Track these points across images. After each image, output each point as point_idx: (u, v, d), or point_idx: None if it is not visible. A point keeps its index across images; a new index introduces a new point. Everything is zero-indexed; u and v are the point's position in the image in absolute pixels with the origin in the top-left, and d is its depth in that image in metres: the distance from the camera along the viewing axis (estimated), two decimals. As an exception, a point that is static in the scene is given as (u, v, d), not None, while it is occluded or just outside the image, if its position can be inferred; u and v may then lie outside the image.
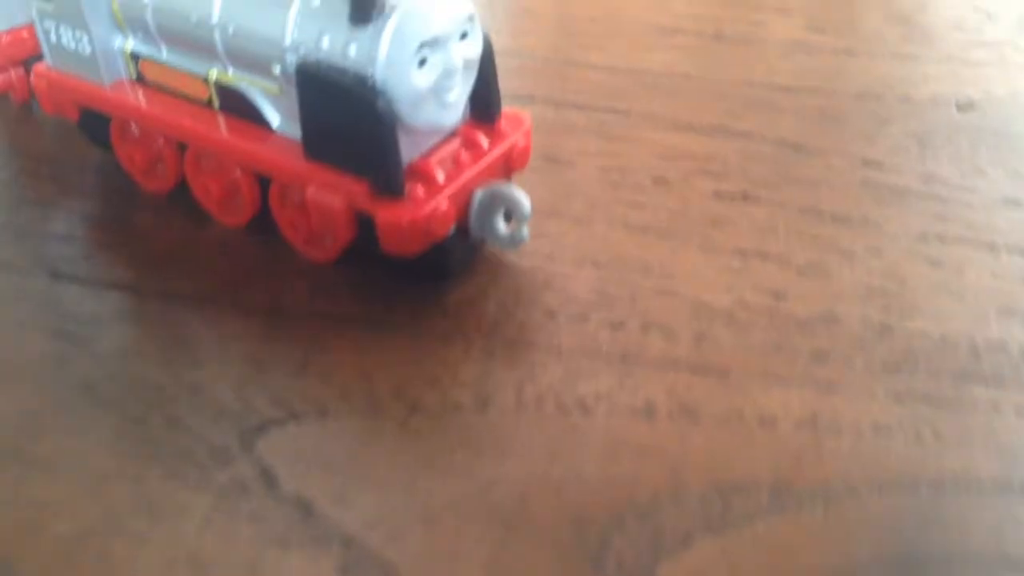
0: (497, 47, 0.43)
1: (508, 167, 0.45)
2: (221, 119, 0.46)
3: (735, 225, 0.47)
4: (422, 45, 0.38)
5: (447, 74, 0.40)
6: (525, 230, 0.43)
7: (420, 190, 0.41)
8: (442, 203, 0.41)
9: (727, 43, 0.62)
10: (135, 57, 0.47)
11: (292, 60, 0.41)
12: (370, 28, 0.39)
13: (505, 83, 0.44)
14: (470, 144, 0.43)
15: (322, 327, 0.42)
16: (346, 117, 0.40)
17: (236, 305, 0.44)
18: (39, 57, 0.54)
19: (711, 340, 0.41)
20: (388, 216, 0.40)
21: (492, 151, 0.44)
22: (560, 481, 0.35)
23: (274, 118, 0.44)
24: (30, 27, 0.55)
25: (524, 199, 0.42)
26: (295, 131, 0.43)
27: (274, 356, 0.41)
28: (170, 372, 0.40)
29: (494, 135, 0.44)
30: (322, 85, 0.40)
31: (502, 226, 0.43)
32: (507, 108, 0.45)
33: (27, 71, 0.56)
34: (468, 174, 0.42)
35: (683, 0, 0.67)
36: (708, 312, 0.42)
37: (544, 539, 0.33)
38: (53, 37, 0.48)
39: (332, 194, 0.41)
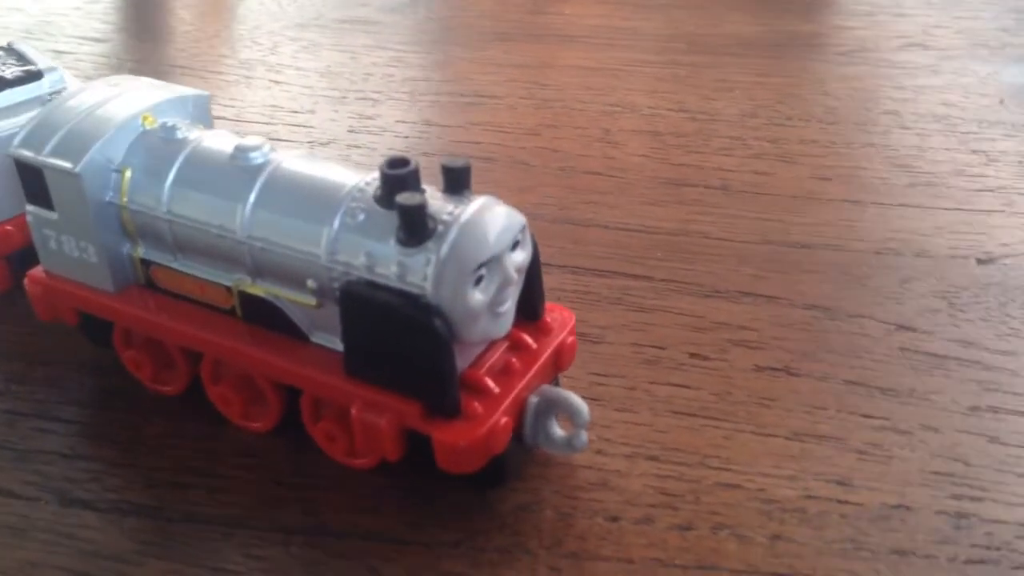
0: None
1: (557, 366, 0.44)
2: (245, 329, 0.45)
3: (782, 403, 0.48)
4: (480, 266, 0.38)
5: (503, 287, 0.40)
6: (584, 436, 0.42)
7: (476, 405, 0.40)
8: (500, 419, 0.40)
9: (736, 196, 0.63)
10: (146, 263, 0.46)
11: (332, 276, 0.40)
12: (422, 249, 0.38)
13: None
14: (518, 346, 0.43)
15: (372, 551, 0.41)
16: (397, 337, 0.39)
17: (272, 527, 0.42)
18: (24, 252, 0.53)
19: (786, 540, 0.41)
20: (447, 438, 0.39)
21: (542, 353, 0.43)
22: None
23: (307, 329, 0.43)
24: (16, 219, 0.53)
25: (582, 405, 0.42)
26: (331, 342, 0.43)
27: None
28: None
29: (540, 333, 0.44)
30: (369, 304, 0.39)
31: (558, 432, 0.43)
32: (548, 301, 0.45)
33: (8, 263, 0.55)
34: (522, 382, 0.42)
35: (680, 149, 0.68)
36: (778, 509, 0.42)
37: None
38: (53, 245, 0.47)
39: (381, 414, 0.40)
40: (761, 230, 0.60)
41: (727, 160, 0.67)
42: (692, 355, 0.51)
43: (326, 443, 0.44)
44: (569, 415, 0.42)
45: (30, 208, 0.46)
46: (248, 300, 0.44)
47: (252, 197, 0.42)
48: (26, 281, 0.49)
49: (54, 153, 0.44)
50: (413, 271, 0.38)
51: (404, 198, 0.38)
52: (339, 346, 0.42)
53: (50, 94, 0.54)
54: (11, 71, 0.54)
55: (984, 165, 0.65)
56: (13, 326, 0.54)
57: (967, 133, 0.69)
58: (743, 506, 0.43)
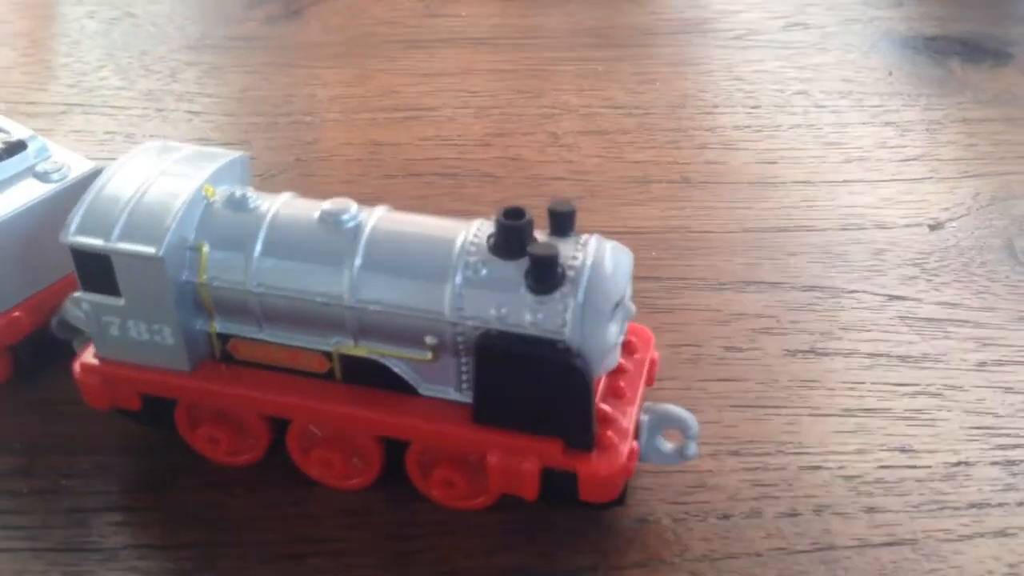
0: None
1: (648, 383, 0.47)
2: (343, 389, 0.44)
3: (824, 383, 0.52)
4: (614, 306, 0.40)
5: (625, 320, 0.42)
6: (694, 446, 0.45)
7: (609, 434, 0.42)
8: (632, 443, 0.42)
9: (699, 188, 0.67)
10: (223, 337, 0.45)
11: (457, 331, 0.41)
12: (556, 295, 0.40)
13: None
14: (618, 370, 0.45)
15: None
16: (539, 381, 0.40)
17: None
18: (37, 337, 0.50)
19: (880, 511, 0.46)
20: (593, 470, 0.41)
21: (640, 372, 0.46)
22: None
23: (415, 383, 0.43)
24: (25, 304, 0.49)
25: (690, 416, 0.45)
26: (443, 392, 0.43)
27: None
28: None
29: (628, 353, 0.46)
30: (510, 354, 0.40)
31: (668, 445, 0.45)
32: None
33: (10, 352, 0.51)
34: (634, 405, 0.44)
35: (631, 146, 0.71)
36: (861, 483, 0.47)
37: None
38: (115, 331, 0.44)
39: (524, 456, 0.41)
40: (735, 218, 0.64)
41: (678, 153, 0.70)
42: (727, 348, 0.55)
43: (443, 490, 0.45)
44: (680, 428, 0.45)
45: (87, 296, 0.43)
46: (349, 362, 0.44)
47: (358, 261, 0.41)
48: (78, 371, 0.46)
49: (125, 238, 0.42)
50: (550, 318, 0.40)
51: (538, 249, 0.39)
52: (451, 396, 0.43)
53: (37, 165, 0.50)
54: (-16, 147, 0.50)
55: (900, 136, 0.73)
56: (31, 419, 0.51)
57: (875, 107, 0.76)
58: (832, 485, 0.47)
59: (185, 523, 0.46)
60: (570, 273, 0.40)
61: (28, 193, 0.49)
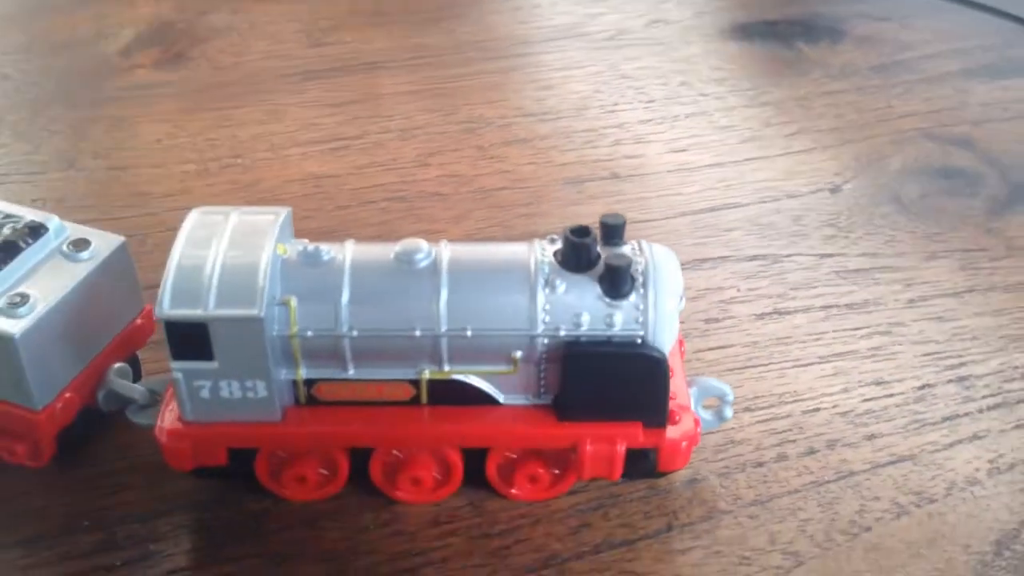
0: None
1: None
2: (427, 411, 0.48)
3: (796, 338, 0.60)
4: (679, 300, 0.46)
5: (680, 311, 0.48)
6: (729, 410, 0.52)
7: (673, 410, 0.48)
8: (694, 414, 0.49)
9: (628, 181, 0.74)
10: (309, 383, 0.47)
11: (543, 344, 0.46)
12: (632, 297, 0.45)
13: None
14: (663, 353, 0.52)
15: (611, 560, 0.48)
16: (624, 376, 0.46)
17: (520, 572, 0.47)
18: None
19: (877, 437, 0.54)
20: (673, 443, 0.48)
21: (678, 353, 0.52)
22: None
23: (499, 395, 0.48)
24: (73, 384, 0.50)
25: (727, 386, 0.51)
26: (523, 399, 0.48)
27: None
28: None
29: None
30: (597, 357, 0.46)
31: (703, 411, 0.52)
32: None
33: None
34: (683, 379, 0.50)
35: (555, 151, 0.77)
36: (855, 415, 0.55)
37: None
38: (205, 394, 0.46)
39: (613, 443, 0.47)
40: (669, 205, 0.72)
41: (598, 152, 0.77)
42: (706, 321, 0.62)
43: (526, 486, 0.50)
44: (718, 396, 0.52)
45: (178, 365, 0.45)
46: (436, 385, 0.47)
47: (444, 294, 0.45)
48: (164, 439, 0.47)
49: (222, 304, 0.44)
50: (626, 319, 0.45)
51: (613, 260, 0.45)
52: (530, 401, 0.48)
53: (62, 245, 0.50)
54: (6, 234, 0.49)
55: (779, 114, 0.82)
56: (88, 494, 0.51)
57: (748, 90, 0.85)
58: (832, 422, 0.55)
59: (290, 561, 0.48)
60: (639, 278, 0.46)
61: (67, 276, 0.49)
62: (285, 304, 0.45)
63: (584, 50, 0.91)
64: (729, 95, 0.84)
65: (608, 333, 0.46)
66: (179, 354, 0.45)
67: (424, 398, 0.48)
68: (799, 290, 0.64)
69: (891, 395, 0.57)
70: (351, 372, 0.47)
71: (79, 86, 0.85)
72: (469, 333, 0.46)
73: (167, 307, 0.44)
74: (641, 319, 0.46)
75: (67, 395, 0.50)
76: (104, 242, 0.51)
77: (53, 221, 0.51)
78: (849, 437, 0.54)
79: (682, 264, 0.48)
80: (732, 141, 0.79)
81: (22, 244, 0.49)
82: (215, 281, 0.44)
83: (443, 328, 0.46)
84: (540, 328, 0.46)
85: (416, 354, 0.47)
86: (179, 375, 0.46)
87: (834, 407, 0.56)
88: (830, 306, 0.63)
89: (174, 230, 0.47)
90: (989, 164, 0.77)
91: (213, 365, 0.45)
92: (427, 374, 0.47)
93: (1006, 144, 0.79)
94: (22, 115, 0.81)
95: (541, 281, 0.46)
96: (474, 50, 0.91)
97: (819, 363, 0.59)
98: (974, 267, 0.67)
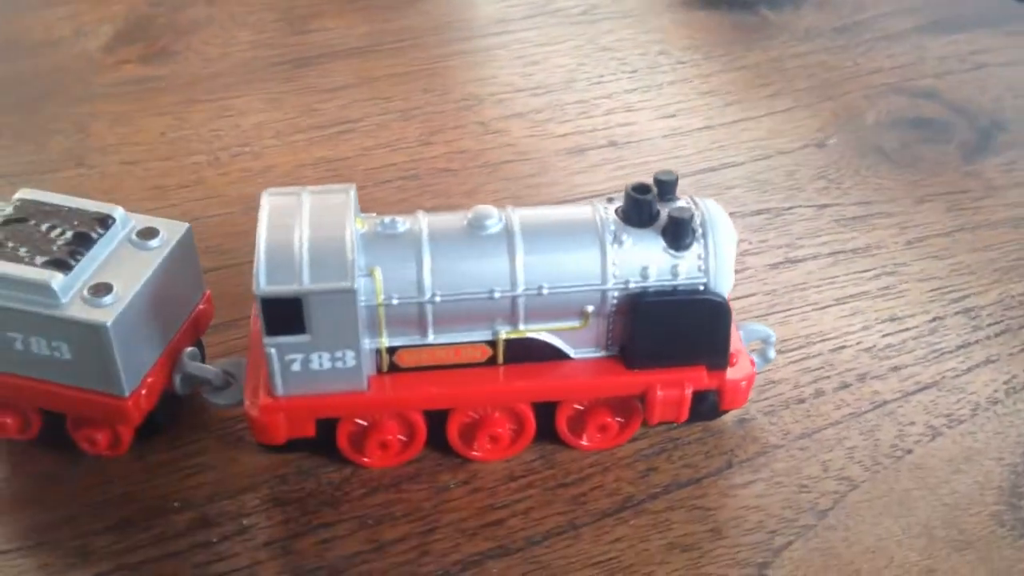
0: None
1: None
2: (503, 370, 0.50)
3: (811, 283, 0.64)
4: (735, 247, 0.49)
5: (733, 259, 0.51)
6: (772, 351, 0.55)
7: (733, 354, 0.51)
8: (749, 354, 0.52)
9: (626, 148, 0.77)
10: (391, 350, 0.49)
11: (612, 296, 0.49)
12: (693, 247, 0.48)
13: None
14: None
15: (681, 498, 0.51)
16: (690, 322, 0.49)
17: (600, 516, 0.50)
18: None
19: (901, 368, 0.58)
20: (734, 383, 0.51)
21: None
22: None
23: (569, 350, 0.51)
24: (153, 369, 0.50)
25: (770, 329, 0.55)
26: (593, 352, 0.51)
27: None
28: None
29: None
30: (665, 305, 0.49)
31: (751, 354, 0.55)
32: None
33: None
34: (734, 324, 0.54)
35: (552, 122, 0.79)
36: (877, 350, 0.59)
37: None
38: (296, 367, 0.48)
39: (681, 387, 0.50)
40: (671, 168, 0.74)
41: (593, 121, 0.80)
42: (727, 275, 0.65)
43: (597, 435, 0.53)
44: (762, 338, 0.55)
45: (271, 340, 0.46)
46: (511, 345, 0.50)
47: (519, 255, 0.48)
48: (257, 414, 0.49)
49: (316, 279, 0.45)
50: (689, 269, 0.49)
51: (676, 212, 0.48)
52: (599, 354, 0.51)
53: (131, 235, 0.51)
54: (77, 226, 0.50)
55: (757, 77, 0.86)
56: (170, 477, 0.52)
57: (722, 55, 0.89)
58: (859, 358, 0.59)
59: (384, 523, 0.50)
60: (698, 229, 0.49)
61: (140, 263, 0.50)
62: (370, 275, 0.47)
63: (561, 25, 0.93)
64: (704, 61, 0.88)
65: (673, 283, 0.49)
66: (274, 329, 0.47)
67: (500, 358, 0.50)
68: (804, 239, 0.68)
69: (907, 329, 0.61)
70: (431, 337, 0.50)
71: (69, 84, 0.84)
72: (545, 291, 0.48)
73: (264, 284, 0.45)
74: (703, 267, 0.49)
75: (149, 380, 0.51)
76: (170, 229, 0.52)
77: (118, 211, 0.52)
78: (876, 370, 0.59)
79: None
80: (718, 104, 0.82)
81: (94, 235, 0.50)
82: (305, 257, 0.46)
83: (520, 288, 0.48)
84: (611, 282, 0.49)
85: (493, 315, 0.49)
86: (272, 350, 0.47)
87: (858, 343, 0.60)
88: (836, 252, 0.67)
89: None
90: (956, 113, 0.82)
91: (306, 338, 0.47)
92: (503, 334, 0.50)
93: (968, 94, 0.85)
94: (18, 115, 0.80)
95: (609, 238, 0.49)
96: (453, 31, 0.93)
97: (836, 304, 0.63)
98: (959, 208, 0.72)
